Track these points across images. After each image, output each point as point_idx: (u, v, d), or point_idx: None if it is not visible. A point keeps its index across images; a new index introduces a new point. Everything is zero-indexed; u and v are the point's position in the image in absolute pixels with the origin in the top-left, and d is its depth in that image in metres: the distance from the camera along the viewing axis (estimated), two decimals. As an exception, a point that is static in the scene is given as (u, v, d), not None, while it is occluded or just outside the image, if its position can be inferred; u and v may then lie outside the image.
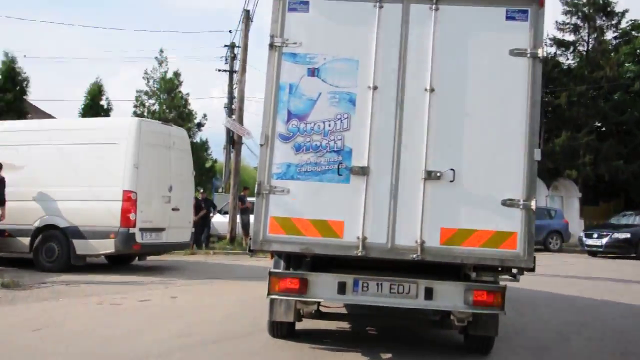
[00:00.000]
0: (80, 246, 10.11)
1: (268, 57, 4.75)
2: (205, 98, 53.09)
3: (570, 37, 28.18)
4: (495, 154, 4.58)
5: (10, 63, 22.08)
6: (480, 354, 5.32)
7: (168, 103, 27.66)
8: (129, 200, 9.96)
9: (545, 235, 20.81)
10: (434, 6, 4.66)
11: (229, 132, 20.12)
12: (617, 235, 18.82)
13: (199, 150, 27.84)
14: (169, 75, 28.10)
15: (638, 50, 28.73)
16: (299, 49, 4.72)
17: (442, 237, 4.58)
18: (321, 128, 4.65)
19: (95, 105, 25.44)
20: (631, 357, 5.80)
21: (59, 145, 10.48)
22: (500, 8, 4.63)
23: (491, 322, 5.01)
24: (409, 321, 5.99)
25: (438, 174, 4.57)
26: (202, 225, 15.86)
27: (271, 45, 4.73)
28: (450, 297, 4.69)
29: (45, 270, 9.98)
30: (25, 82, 22.48)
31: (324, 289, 4.73)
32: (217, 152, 49.06)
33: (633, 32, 28.74)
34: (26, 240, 10.26)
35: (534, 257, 4.65)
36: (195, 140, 28.07)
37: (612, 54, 27.60)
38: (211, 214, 16.61)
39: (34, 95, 38.00)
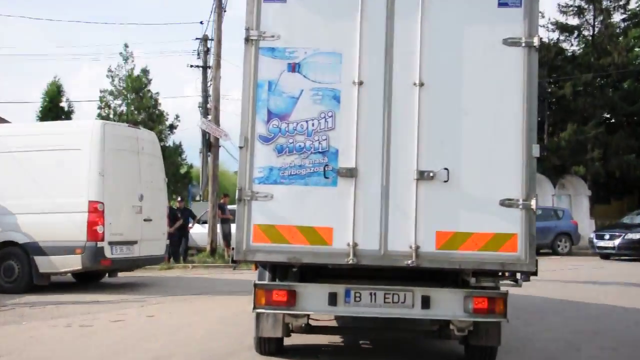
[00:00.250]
0: (43, 264, 10.10)
1: (244, 52, 4.82)
2: (178, 97, 53.08)
3: (574, 21, 28.48)
4: (491, 151, 4.71)
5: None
6: (482, 366, 5.41)
7: (136, 103, 27.63)
8: (96, 212, 9.99)
9: (553, 238, 21.05)
10: (421, -6, 4.76)
11: (204, 134, 20.11)
12: (630, 235, 19.08)
13: (173, 155, 27.85)
14: (136, 72, 28.09)
15: (648, 34, 29.17)
16: (277, 42, 4.81)
17: (438, 241, 4.70)
18: (304, 128, 4.75)
19: (54, 108, 25.41)
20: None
21: (14, 152, 10.47)
22: None
23: (493, 331, 5.12)
24: (405, 333, 6.11)
25: (431, 174, 4.69)
26: (179, 236, 15.89)
27: (247, 39, 4.80)
28: (448, 305, 4.80)
29: (4, 291, 9.95)
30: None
31: (314, 300, 4.82)
32: (193, 156, 49.13)
33: (643, 14, 29.07)
34: (-20, 260, 10.22)
35: (536, 260, 4.77)
36: (167, 144, 28.07)
37: (620, 38, 27.94)
38: (190, 225, 16.64)
39: (-16, 98, 37.63)
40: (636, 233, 19.12)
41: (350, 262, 4.68)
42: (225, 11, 18.27)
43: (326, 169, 4.73)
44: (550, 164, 26.17)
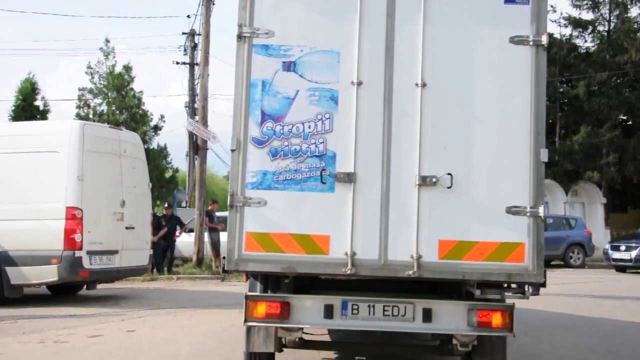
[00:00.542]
0: (16, 275, 10.15)
1: (236, 49, 4.89)
2: (163, 96, 53.15)
3: (588, 16, 28.69)
4: (497, 155, 4.80)
5: None
6: (487, 384, 5.49)
7: (118, 103, 27.64)
8: (74, 219, 10.07)
9: (565, 249, 21.20)
10: (424, -11, 4.86)
11: (191, 136, 20.24)
12: (648, 246, 19.27)
13: (157, 158, 27.87)
14: (118, 69, 28.11)
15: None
16: (271, 39, 4.89)
17: (441, 250, 4.78)
18: (300, 130, 4.83)
19: (28, 107, 25.38)
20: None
21: (-15, 155, 10.50)
22: None
23: (499, 346, 5.20)
24: (405, 348, 6.20)
25: (434, 180, 4.78)
26: (164, 246, 15.94)
27: (239, 36, 4.88)
28: (451, 318, 4.87)
29: (-27, 305, 10.00)
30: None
31: (309, 313, 4.89)
32: (179, 159, 49.09)
33: (662, 8, 29.34)
34: (-53, 271, 10.22)
35: (545, 271, 4.85)
36: (151, 146, 28.09)
37: (637, 34, 28.02)
38: (177, 233, 16.69)
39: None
40: (654, 244, 19.30)
41: (349, 272, 4.75)
42: (214, 4, 18.41)
43: (323, 173, 4.80)
44: (562, 169, 26.33)
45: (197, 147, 18.64)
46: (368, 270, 4.79)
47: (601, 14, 28.58)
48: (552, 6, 27.87)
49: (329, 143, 4.82)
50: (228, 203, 4.82)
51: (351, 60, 4.85)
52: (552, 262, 21.13)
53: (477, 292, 4.96)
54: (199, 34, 21.73)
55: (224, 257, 4.96)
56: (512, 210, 4.78)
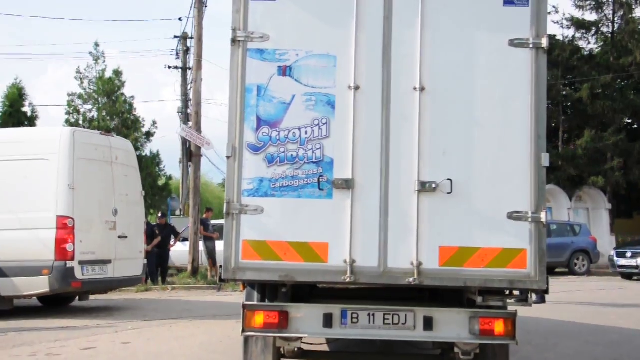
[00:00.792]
0: (6, 286, 10.16)
1: (231, 54, 4.95)
2: (155, 101, 53.27)
3: (591, 17, 28.78)
4: (498, 160, 4.86)
5: None
6: (490, 394, 5.53)
7: (108, 108, 27.71)
8: (65, 228, 10.09)
9: (569, 256, 21.23)
10: (421, -9, 4.91)
11: (185, 142, 20.28)
12: (655, 253, 19.32)
13: (150, 165, 27.93)
14: (108, 74, 28.20)
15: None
16: (266, 43, 4.94)
17: (442, 257, 4.83)
18: (297, 136, 4.88)
19: (15, 113, 25.43)
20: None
21: (-27, 163, 10.50)
22: None
23: (501, 354, 5.26)
24: (406, 357, 6.24)
25: (433, 185, 4.83)
26: (158, 255, 15.97)
27: (234, 40, 4.93)
28: (453, 326, 4.91)
29: (-38, 317, 10.02)
30: None
31: (308, 322, 4.92)
32: (172, 167, 49.05)
33: (668, 8, 29.32)
34: None
35: (547, 277, 4.91)
36: (144, 153, 28.15)
37: (642, 36, 28.21)
38: (171, 243, 16.71)
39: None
40: (661, 250, 19.34)
41: (348, 280, 4.79)
42: (206, 6, 18.48)
43: (321, 180, 4.85)
44: (566, 174, 26.39)
45: (190, 154, 18.69)
46: (368, 278, 4.84)
47: (605, 15, 28.70)
48: (554, 7, 28.11)
49: (326, 149, 4.87)
50: (224, 211, 4.87)
51: (348, 64, 4.90)
52: (557, 270, 21.18)
53: (479, 300, 5.01)
54: (192, 38, 21.82)
55: (220, 266, 4.98)
56: (514, 216, 4.84)
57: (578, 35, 28.95)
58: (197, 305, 12.39)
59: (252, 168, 4.87)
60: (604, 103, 26.87)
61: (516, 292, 5.13)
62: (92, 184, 10.69)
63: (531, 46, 4.89)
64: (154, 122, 29.51)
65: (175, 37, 25.90)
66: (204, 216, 17.71)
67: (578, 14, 28.64)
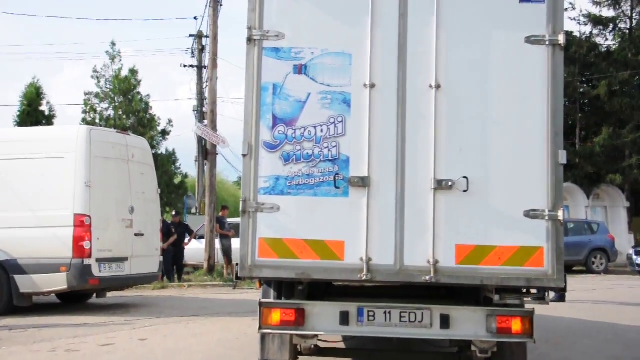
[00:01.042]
0: (24, 283, 10.27)
1: (246, 52, 4.98)
2: (171, 100, 53.52)
3: (609, 13, 28.51)
4: (514, 157, 4.85)
5: None
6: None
7: (124, 107, 27.93)
8: (82, 226, 10.18)
9: (587, 254, 21.11)
10: (437, -11, 4.91)
11: (200, 140, 20.36)
12: (674, 251, 19.17)
13: (165, 164, 28.11)
14: (124, 73, 28.40)
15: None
16: (282, 42, 4.97)
17: (458, 255, 4.83)
18: (312, 134, 4.90)
19: (33, 112, 25.68)
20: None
21: (-8, 161, 10.62)
22: None
23: (519, 353, 5.24)
24: (423, 355, 6.24)
25: (450, 183, 4.83)
26: (174, 253, 16.07)
27: (249, 39, 4.96)
28: (470, 324, 4.91)
29: (-18, 314, 10.13)
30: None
31: (324, 320, 4.95)
32: (188, 165, 49.33)
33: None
34: (-45, 279, 10.34)
35: (565, 276, 4.90)
36: (160, 152, 28.34)
37: (660, 32, 27.97)
38: (186, 241, 16.81)
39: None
40: (680, 248, 19.17)
41: (364, 278, 4.81)
42: (221, 5, 18.56)
43: (337, 178, 4.87)
44: (584, 172, 26.21)
45: (206, 152, 18.76)
46: (384, 276, 4.85)
47: (622, 11, 28.47)
48: (571, 4, 27.82)
49: (342, 147, 4.89)
50: (240, 209, 4.90)
51: (364, 62, 4.91)
52: (575, 268, 21.04)
53: (496, 298, 5.00)
54: (207, 36, 21.88)
55: (236, 264, 5.02)
56: (531, 214, 4.83)
57: (595, 31, 28.73)
58: (213, 303, 12.45)
59: (268, 166, 4.90)
60: (622, 100, 26.62)
61: (533, 290, 5.12)
62: (108, 182, 10.77)
63: (548, 43, 4.87)
64: (170, 121, 29.75)
65: (191, 35, 26.04)
66: (220, 214, 17.79)
67: (595, 10, 28.47)
